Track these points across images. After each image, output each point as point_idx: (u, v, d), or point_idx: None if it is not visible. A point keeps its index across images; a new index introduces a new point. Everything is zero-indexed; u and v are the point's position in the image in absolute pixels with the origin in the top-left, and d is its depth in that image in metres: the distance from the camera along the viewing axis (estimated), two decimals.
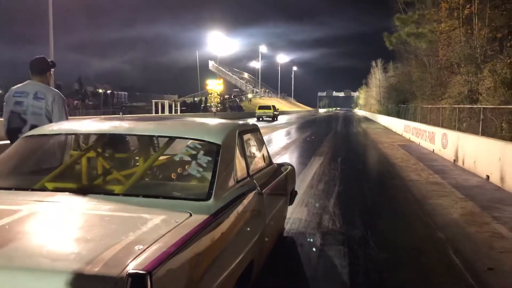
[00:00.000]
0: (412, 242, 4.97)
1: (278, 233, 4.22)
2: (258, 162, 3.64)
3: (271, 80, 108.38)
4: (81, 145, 3.36)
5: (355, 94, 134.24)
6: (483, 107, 13.40)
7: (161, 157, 3.11)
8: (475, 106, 14.93)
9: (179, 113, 36.15)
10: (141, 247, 1.71)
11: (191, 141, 2.91)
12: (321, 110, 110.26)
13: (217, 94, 47.95)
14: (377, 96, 62.62)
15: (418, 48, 27.44)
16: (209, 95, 47.46)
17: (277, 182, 3.85)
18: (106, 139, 3.18)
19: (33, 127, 3.67)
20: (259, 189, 3.12)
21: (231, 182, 2.70)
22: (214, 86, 47.51)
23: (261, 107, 45.72)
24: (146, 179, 3.01)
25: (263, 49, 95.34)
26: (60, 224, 2.10)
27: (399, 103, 35.01)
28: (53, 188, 2.64)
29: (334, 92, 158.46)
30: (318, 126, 33.94)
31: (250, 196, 2.87)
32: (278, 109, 51.54)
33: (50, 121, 3.88)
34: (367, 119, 54.60)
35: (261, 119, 41.08)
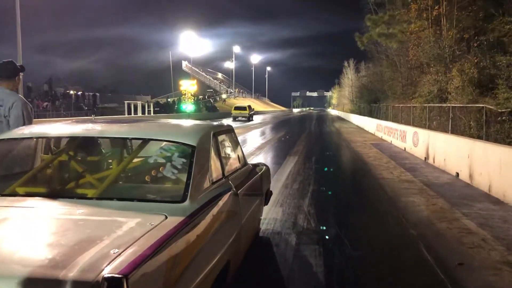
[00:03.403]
0: (385, 239, 5.05)
1: (254, 233, 4.24)
2: (233, 163, 3.64)
3: (245, 80, 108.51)
4: (53, 148, 3.30)
5: (328, 94, 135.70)
6: (452, 106, 13.76)
7: (135, 160, 3.05)
8: (444, 105, 15.30)
9: (152, 114, 35.74)
10: (116, 250, 1.69)
11: (165, 143, 2.92)
12: (295, 110, 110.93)
13: (191, 95, 47.62)
14: (350, 96, 63.49)
15: (389, 48, 27.98)
16: (183, 96, 47.07)
17: (252, 183, 3.84)
18: (78, 142, 3.12)
19: None
20: (234, 190, 3.11)
21: (207, 184, 2.68)
22: (188, 87, 47.19)
23: (236, 108, 45.45)
24: (120, 182, 2.94)
25: (236, 49, 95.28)
26: (33, 229, 2.04)
27: (371, 103, 35.57)
28: (24, 193, 2.59)
29: (307, 92, 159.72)
30: (292, 126, 34.13)
31: (226, 197, 2.86)
32: (253, 109, 51.78)
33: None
34: (340, 119, 55.24)
35: (237, 119, 41.30)
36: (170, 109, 45.86)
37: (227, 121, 36.27)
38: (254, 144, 16.92)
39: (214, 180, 2.84)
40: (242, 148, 4.17)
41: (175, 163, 2.74)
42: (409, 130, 14.69)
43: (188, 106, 43.94)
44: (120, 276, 1.50)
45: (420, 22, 21.31)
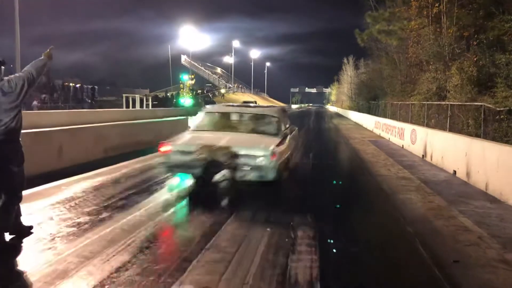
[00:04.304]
0: (382, 236, 5.06)
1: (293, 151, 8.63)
2: (287, 122, 8.93)
3: (244, 75, 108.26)
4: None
5: (327, 90, 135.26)
6: (451, 104, 13.75)
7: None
8: (443, 103, 15.30)
9: (150, 107, 35.57)
10: (272, 145, 6.42)
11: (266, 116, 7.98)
12: (294, 106, 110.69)
13: (189, 89, 47.48)
14: (349, 93, 63.45)
15: (389, 46, 27.91)
16: (181, 90, 46.89)
17: (292, 129, 9.16)
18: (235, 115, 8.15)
19: None
20: (289, 131, 8.33)
21: (284, 129, 7.85)
22: (187, 81, 47.11)
23: (245, 102, 49.41)
24: (254, 128, 7.41)
25: (236, 44, 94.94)
26: (239, 140, 6.64)
27: (369, 100, 35.56)
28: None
29: (306, 88, 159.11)
30: (291, 122, 34.06)
31: (289, 132, 8.34)
32: (257, 102, 56.31)
33: None
34: (338, 115, 55.23)
35: None
36: (168, 103, 45.72)
37: None
38: None
39: (284, 128, 7.94)
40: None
41: (271, 123, 7.65)
42: (407, 127, 14.70)
43: (186, 100, 43.85)
44: (275, 149, 6.28)
45: (420, 19, 21.24)
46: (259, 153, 6.10)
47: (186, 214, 5.76)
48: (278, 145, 6.51)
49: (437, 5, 19.54)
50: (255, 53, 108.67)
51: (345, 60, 70.51)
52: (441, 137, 10.95)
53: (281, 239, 4.61)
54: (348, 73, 66.68)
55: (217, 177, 6.03)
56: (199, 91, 63.96)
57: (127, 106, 32.60)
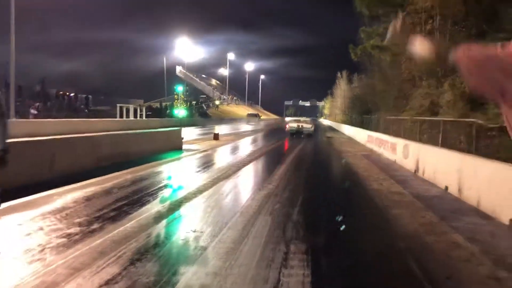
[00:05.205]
0: (373, 250, 5.05)
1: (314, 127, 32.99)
2: (314, 122, 36.54)
3: (239, 87, 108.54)
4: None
5: (320, 103, 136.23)
6: (443, 120, 13.85)
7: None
8: (435, 118, 15.41)
9: (144, 117, 35.55)
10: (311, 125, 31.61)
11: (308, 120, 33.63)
12: (288, 119, 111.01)
13: (184, 100, 47.54)
14: (342, 106, 63.75)
15: (382, 61, 28.14)
16: (175, 101, 46.93)
17: (314, 123, 34.50)
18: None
19: None
20: (313, 123, 33.66)
21: (312, 123, 32.76)
22: (181, 92, 47.19)
23: (249, 114, 73.09)
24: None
25: (231, 56, 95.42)
26: (304, 124, 30.37)
27: (363, 114, 35.73)
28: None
29: (300, 101, 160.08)
30: (285, 134, 34.15)
31: (314, 123, 34.62)
32: (261, 116, 78.63)
33: None
34: (331, 129, 55.42)
35: (249, 122, 59.41)
36: (162, 113, 45.71)
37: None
38: (255, 146, 16.90)
39: (312, 124, 32.15)
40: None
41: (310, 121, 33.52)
42: (400, 142, 14.76)
43: (180, 111, 43.88)
44: (312, 127, 31.34)
45: (414, 35, 21.47)
46: (309, 127, 29.13)
47: (178, 227, 5.72)
48: (311, 126, 29.05)
49: (430, 21, 19.82)
50: (249, 66, 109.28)
51: (339, 74, 71.13)
52: (433, 152, 11.02)
53: (274, 253, 4.59)
54: (342, 87, 67.10)
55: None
56: (193, 102, 63.99)
57: (121, 116, 32.54)
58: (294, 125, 29.63)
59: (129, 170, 10.11)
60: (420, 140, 14.99)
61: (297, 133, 28.78)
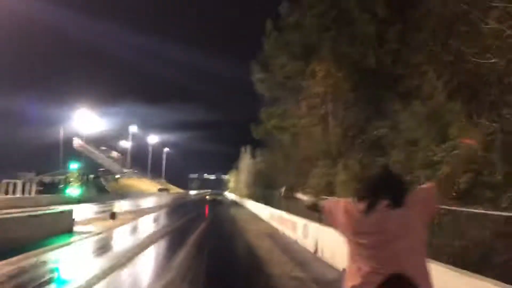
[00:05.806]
0: None
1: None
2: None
3: (141, 160, 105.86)
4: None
5: (226, 177, 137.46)
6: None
7: None
8: (329, 197, 16.11)
9: (33, 194, 32.67)
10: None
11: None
12: (192, 192, 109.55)
13: (79, 174, 44.79)
14: (246, 181, 64.71)
15: (283, 139, 29.48)
16: (69, 174, 43.91)
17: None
18: None
19: None
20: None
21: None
22: (75, 170, 44.29)
23: (160, 189, 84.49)
24: None
25: (133, 128, 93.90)
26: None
27: (266, 189, 36.41)
28: None
29: (205, 174, 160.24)
30: (189, 211, 33.40)
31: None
32: (168, 189, 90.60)
33: None
34: (236, 204, 55.58)
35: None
36: (56, 188, 42.40)
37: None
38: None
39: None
40: None
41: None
42: (300, 221, 14.98)
43: (73, 190, 40.68)
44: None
45: (310, 118, 22.95)
46: (220, 197, 50.99)
47: None
48: (220, 196, 49.13)
49: (323, 106, 21.40)
50: (153, 138, 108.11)
51: (243, 149, 72.82)
52: (330, 234, 11.24)
53: None
54: (246, 162, 68.48)
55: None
56: (91, 175, 60.67)
57: (6, 193, 29.64)
58: (210, 196, 54.59)
59: (6, 261, 8.96)
60: (319, 219, 15.43)
61: (213, 200, 50.04)
